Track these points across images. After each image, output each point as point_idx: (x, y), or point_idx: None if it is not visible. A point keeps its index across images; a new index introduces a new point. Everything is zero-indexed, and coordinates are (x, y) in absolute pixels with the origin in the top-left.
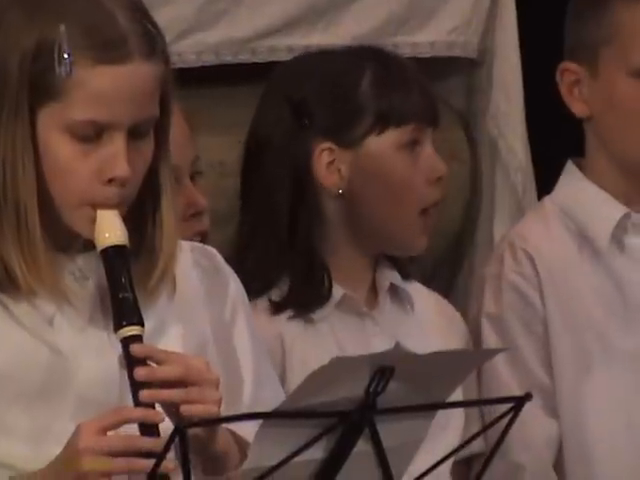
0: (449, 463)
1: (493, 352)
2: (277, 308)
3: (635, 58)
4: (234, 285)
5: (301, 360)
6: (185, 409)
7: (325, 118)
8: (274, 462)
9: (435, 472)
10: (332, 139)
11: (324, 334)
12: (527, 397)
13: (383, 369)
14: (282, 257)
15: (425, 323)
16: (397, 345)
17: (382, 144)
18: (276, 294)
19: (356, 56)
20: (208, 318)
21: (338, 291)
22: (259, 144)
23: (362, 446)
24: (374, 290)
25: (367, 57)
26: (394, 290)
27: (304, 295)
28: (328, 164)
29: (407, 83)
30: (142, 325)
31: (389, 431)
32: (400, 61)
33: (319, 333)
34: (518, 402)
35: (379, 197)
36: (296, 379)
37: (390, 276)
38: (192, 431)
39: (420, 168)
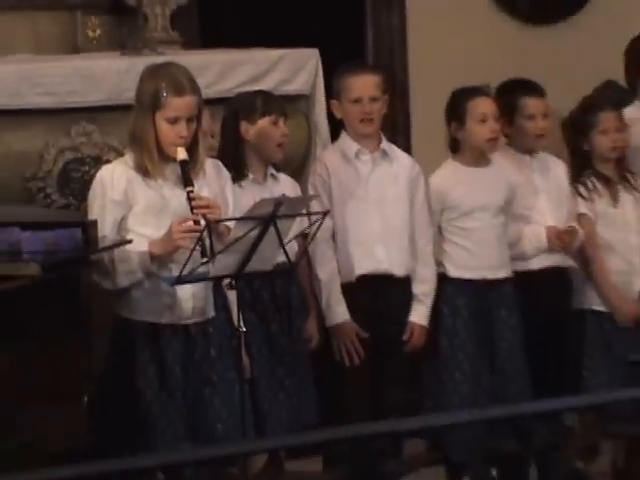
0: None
1: (313, 197)
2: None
3: (347, 96)
4: (225, 173)
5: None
6: (209, 217)
7: (245, 114)
8: (240, 235)
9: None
10: (247, 122)
11: (247, 193)
12: (328, 212)
13: (279, 201)
14: (231, 162)
15: (285, 189)
16: (283, 194)
17: (263, 123)
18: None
19: (258, 93)
20: (217, 185)
21: (250, 176)
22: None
23: (271, 230)
24: (266, 175)
25: (259, 93)
26: (273, 176)
27: (237, 177)
28: (245, 131)
29: (270, 102)
30: (193, 186)
31: (280, 224)
32: (266, 93)
33: (245, 193)
34: (325, 213)
35: (263, 141)
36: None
37: (271, 170)
38: (212, 224)
39: (276, 131)
